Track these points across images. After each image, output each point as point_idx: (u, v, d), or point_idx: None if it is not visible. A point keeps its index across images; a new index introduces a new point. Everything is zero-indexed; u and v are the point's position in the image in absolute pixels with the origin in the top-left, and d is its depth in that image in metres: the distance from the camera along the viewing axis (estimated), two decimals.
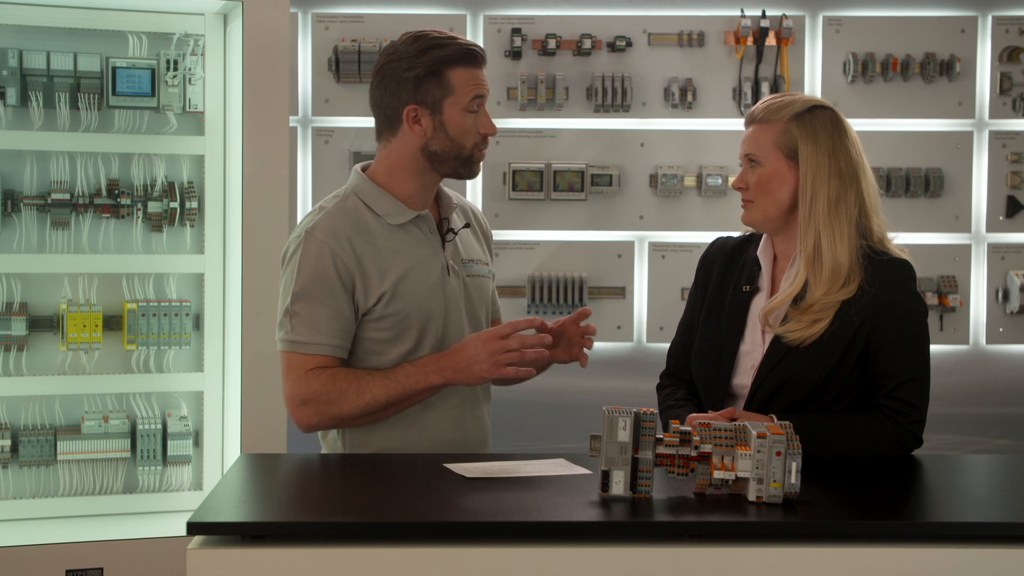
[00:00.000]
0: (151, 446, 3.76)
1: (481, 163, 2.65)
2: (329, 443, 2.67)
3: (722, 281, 2.67)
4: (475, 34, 4.49)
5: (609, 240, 4.55)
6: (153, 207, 3.77)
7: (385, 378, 2.54)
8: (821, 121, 2.56)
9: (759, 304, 2.61)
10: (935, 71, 4.51)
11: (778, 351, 2.53)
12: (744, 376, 2.58)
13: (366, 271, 2.55)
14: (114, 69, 3.69)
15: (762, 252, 2.65)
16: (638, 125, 4.54)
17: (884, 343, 2.52)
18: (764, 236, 2.67)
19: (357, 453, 2.61)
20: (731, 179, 4.37)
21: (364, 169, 2.67)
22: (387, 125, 2.62)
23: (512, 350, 2.52)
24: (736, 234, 2.77)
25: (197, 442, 3.85)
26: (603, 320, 4.53)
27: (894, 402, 2.52)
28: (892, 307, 2.53)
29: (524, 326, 2.54)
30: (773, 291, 2.62)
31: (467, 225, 2.74)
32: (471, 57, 2.58)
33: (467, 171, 2.63)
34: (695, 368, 2.67)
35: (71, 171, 3.73)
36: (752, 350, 2.59)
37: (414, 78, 2.56)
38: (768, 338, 2.57)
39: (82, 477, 3.77)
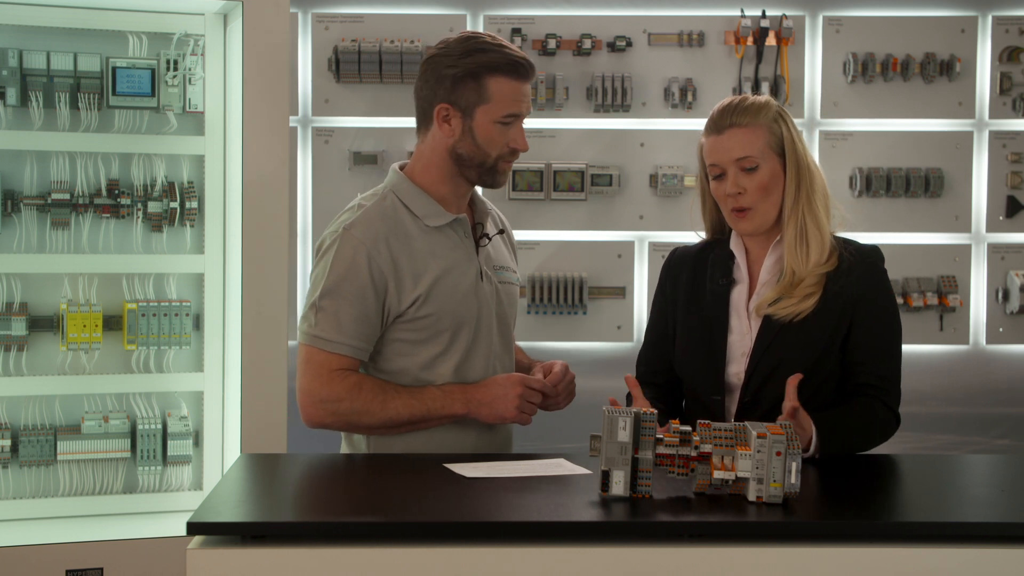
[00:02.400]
0: (151, 446, 3.76)
1: (507, 173, 2.62)
2: (353, 443, 2.66)
3: (693, 284, 2.70)
4: None
5: (609, 240, 4.55)
6: (153, 207, 3.76)
7: (411, 397, 2.54)
8: (786, 115, 2.65)
9: (740, 294, 2.65)
10: (935, 71, 4.51)
11: (769, 333, 2.57)
12: (737, 364, 2.61)
13: (401, 275, 2.54)
14: (114, 69, 3.69)
15: (735, 245, 2.69)
16: (638, 125, 4.54)
17: (867, 326, 2.59)
18: (733, 233, 2.70)
19: (359, 453, 2.61)
20: None
21: (402, 168, 2.66)
22: (423, 118, 2.61)
23: (534, 402, 2.60)
24: (694, 240, 2.81)
25: (197, 442, 3.85)
26: (603, 320, 4.53)
27: (877, 379, 2.59)
28: (873, 293, 2.60)
29: (550, 389, 2.62)
30: (752, 281, 2.65)
31: (501, 231, 2.74)
32: (515, 69, 2.54)
33: (491, 180, 2.61)
34: (684, 367, 2.68)
35: (71, 171, 3.73)
36: (741, 338, 2.62)
37: (452, 77, 2.53)
38: (756, 325, 2.59)
39: (82, 477, 3.77)
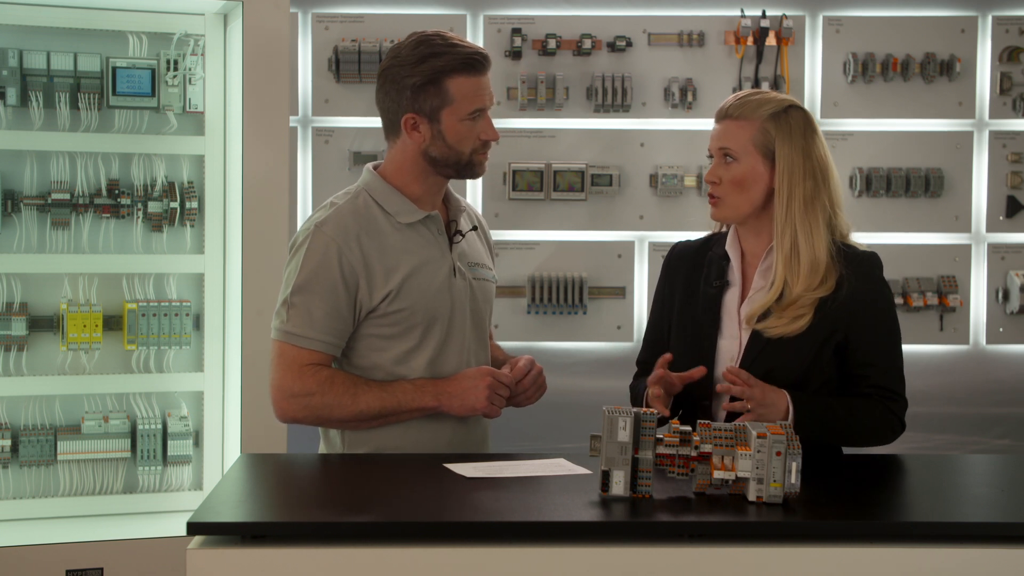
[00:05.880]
0: (151, 446, 3.76)
1: (484, 163, 2.65)
2: (329, 439, 2.68)
3: (689, 282, 2.70)
4: (475, 34, 4.49)
5: (609, 240, 4.54)
6: (153, 207, 3.77)
7: (382, 390, 2.56)
8: (796, 121, 2.59)
9: (732, 297, 2.64)
10: (935, 71, 4.51)
11: (758, 344, 2.56)
12: (725, 368, 2.59)
13: (372, 271, 2.56)
14: (114, 69, 3.69)
15: (731, 247, 2.68)
16: (638, 125, 4.54)
17: (865, 334, 2.56)
18: (731, 231, 2.70)
19: (357, 453, 2.62)
20: None
21: (376, 167, 2.69)
22: (390, 128, 2.65)
23: (502, 394, 2.61)
24: (696, 237, 2.81)
25: (197, 442, 3.85)
26: (603, 320, 4.53)
27: (880, 390, 2.57)
28: (869, 300, 2.58)
29: (520, 376, 2.64)
30: (745, 285, 2.65)
31: (474, 228, 2.75)
32: (470, 65, 2.57)
33: (470, 173, 2.66)
34: (675, 369, 2.66)
35: (71, 171, 3.73)
36: (731, 343, 2.62)
37: (412, 86, 2.56)
38: (746, 332, 2.59)
39: (82, 477, 3.77)
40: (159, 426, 3.78)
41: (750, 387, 2.46)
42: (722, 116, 2.62)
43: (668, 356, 2.55)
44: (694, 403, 2.62)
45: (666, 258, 2.80)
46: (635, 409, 2.14)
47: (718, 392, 2.58)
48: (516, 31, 4.46)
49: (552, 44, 4.46)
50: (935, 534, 2.03)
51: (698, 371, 2.55)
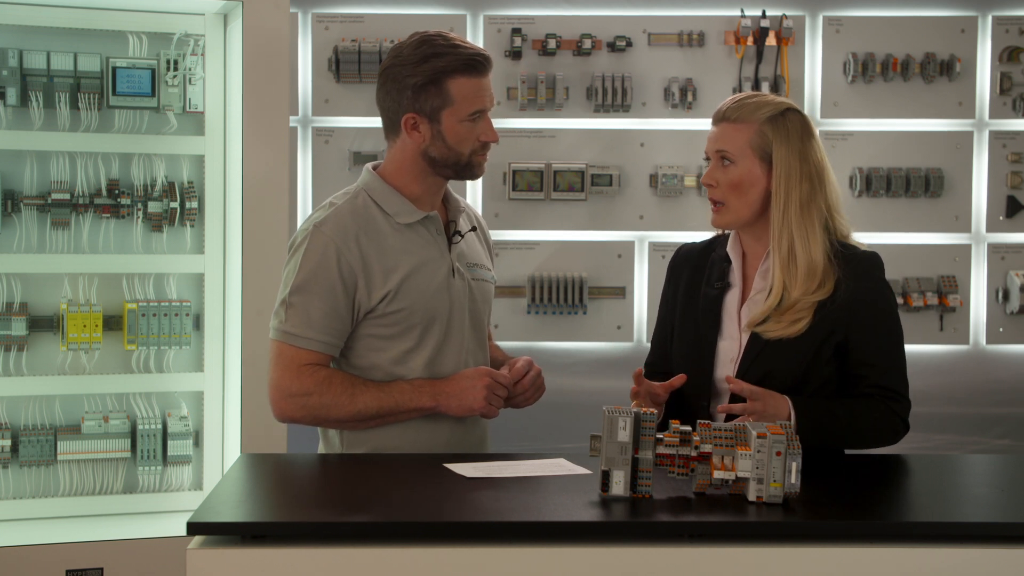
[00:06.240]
0: (151, 446, 3.76)
1: (484, 165, 2.65)
2: (328, 439, 2.68)
3: (692, 285, 2.71)
4: (475, 34, 4.49)
5: (609, 240, 4.54)
6: (153, 207, 3.77)
7: (379, 390, 2.56)
8: (792, 124, 2.59)
9: (733, 299, 2.65)
10: (935, 71, 4.51)
11: (757, 345, 2.57)
12: (725, 369, 2.61)
13: (371, 271, 2.56)
14: (114, 69, 3.69)
15: (731, 249, 2.69)
16: (638, 125, 4.54)
17: (864, 334, 2.56)
18: (732, 233, 2.70)
19: (356, 452, 2.62)
20: None
21: (375, 168, 2.69)
22: (390, 127, 2.65)
23: (500, 395, 2.61)
24: (698, 238, 2.81)
25: (197, 442, 3.85)
26: (603, 320, 4.53)
27: (881, 390, 2.56)
28: (869, 300, 2.57)
29: (518, 377, 2.64)
30: (745, 287, 2.65)
31: (473, 228, 2.75)
32: (472, 67, 2.57)
33: (469, 174, 2.66)
34: (676, 370, 2.67)
35: (71, 171, 3.74)
36: (730, 344, 2.62)
37: (413, 86, 2.56)
38: (746, 333, 2.59)
39: (82, 477, 3.77)
40: (159, 426, 3.78)
41: (752, 401, 2.46)
42: (719, 119, 2.62)
43: (639, 370, 2.55)
44: (692, 402, 2.62)
45: (671, 260, 2.81)
46: (635, 409, 2.14)
47: (718, 391, 2.59)
48: (516, 31, 4.46)
49: (552, 44, 4.46)
50: (935, 534, 2.03)
51: (678, 379, 2.55)
